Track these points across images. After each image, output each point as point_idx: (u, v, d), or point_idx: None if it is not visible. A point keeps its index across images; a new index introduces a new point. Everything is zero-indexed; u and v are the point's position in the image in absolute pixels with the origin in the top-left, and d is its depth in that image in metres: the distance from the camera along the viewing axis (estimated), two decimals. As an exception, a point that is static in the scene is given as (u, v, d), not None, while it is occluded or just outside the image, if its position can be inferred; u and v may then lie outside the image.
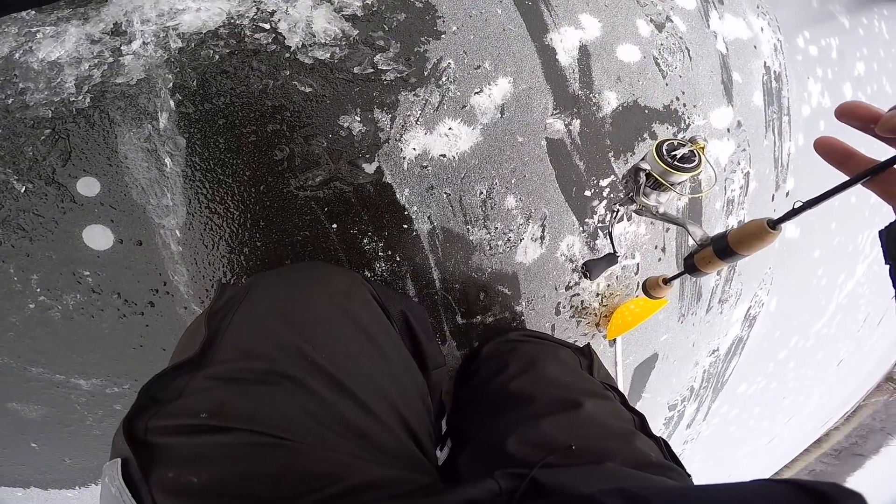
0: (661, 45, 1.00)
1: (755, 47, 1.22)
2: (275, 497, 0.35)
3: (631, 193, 0.61)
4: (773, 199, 1.31)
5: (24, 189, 0.59)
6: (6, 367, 0.69)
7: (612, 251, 0.81)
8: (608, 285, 0.89)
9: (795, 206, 0.42)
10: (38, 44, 0.60)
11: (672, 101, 1.00)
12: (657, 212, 0.62)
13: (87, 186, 0.60)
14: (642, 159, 0.61)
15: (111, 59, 0.60)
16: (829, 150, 0.37)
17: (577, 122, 0.83)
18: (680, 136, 1.00)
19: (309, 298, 0.47)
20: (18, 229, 0.60)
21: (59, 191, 0.60)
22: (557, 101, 0.82)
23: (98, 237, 0.61)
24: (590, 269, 0.80)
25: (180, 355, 0.45)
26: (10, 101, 0.59)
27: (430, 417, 0.52)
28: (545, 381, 0.59)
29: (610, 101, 0.88)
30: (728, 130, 1.13)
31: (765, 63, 1.26)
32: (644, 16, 0.99)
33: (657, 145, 0.60)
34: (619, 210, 0.79)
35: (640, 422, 0.55)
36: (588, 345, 0.78)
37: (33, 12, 0.61)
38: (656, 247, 0.95)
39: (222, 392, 0.39)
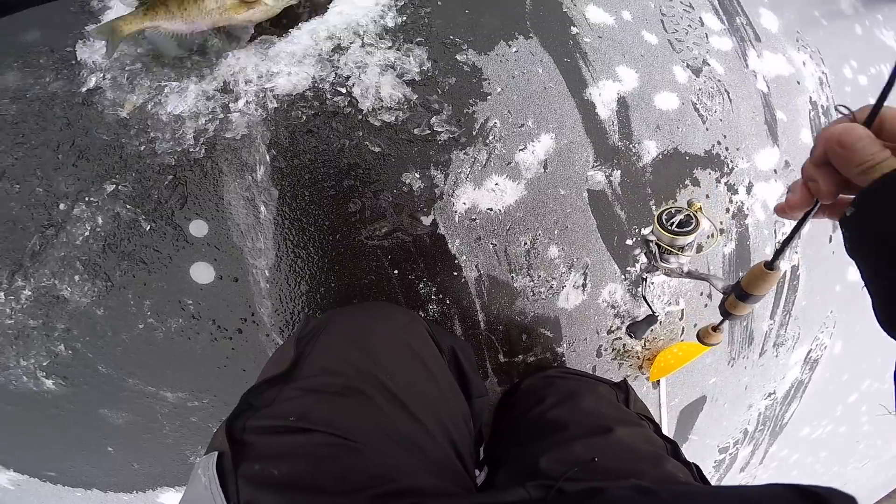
0: (699, 89, 1.05)
1: (798, 83, 1.23)
2: (338, 491, 0.42)
3: (652, 261, 0.68)
4: (830, 241, 1.30)
5: (148, 228, 0.74)
6: (108, 377, 0.80)
7: (652, 313, 0.89)
8: (651, 329, 0.95)
9: (776, 248, 0.48)
10: (165, 97, 0.76)
11: (714, 146, 1.05)
12: (683, 272, 0.69)
13: (198, 228, 0.75)
14: (650, 231, 0.69)
15: (221, 115, 0.76)
16: (782, 213, 0.43)
17: (617, 173, 0.91)
18: (723, 181, 1.05)
19: (376, 331, 0.59)
20: (140, 262, 0.75)
21: (175, 231, 0.75)
22: (598, 153, 0.90)
23: (202, 273, 0.76)
24: (634, 331, 0.90)
25: (271, 371, 0.55)
26: (142, 148, 0.75)
27: (471, 440, 0.61)
28: (581, 411, 0.67)
29: (650, 149, 0.96)
30: (775, 171, 1.15)
31: (810, 98, 1.26)
32: (680, 62, 1.05)
33: (658, 216, 0.67)
34: (646, 278, 0.88)
35: (673, 448, 0.60)
36: (624, 379, 0.84)
37: (160, 66, 0.77)
38: (702, 293, 1.00)
39: (308, 400, 0.49)
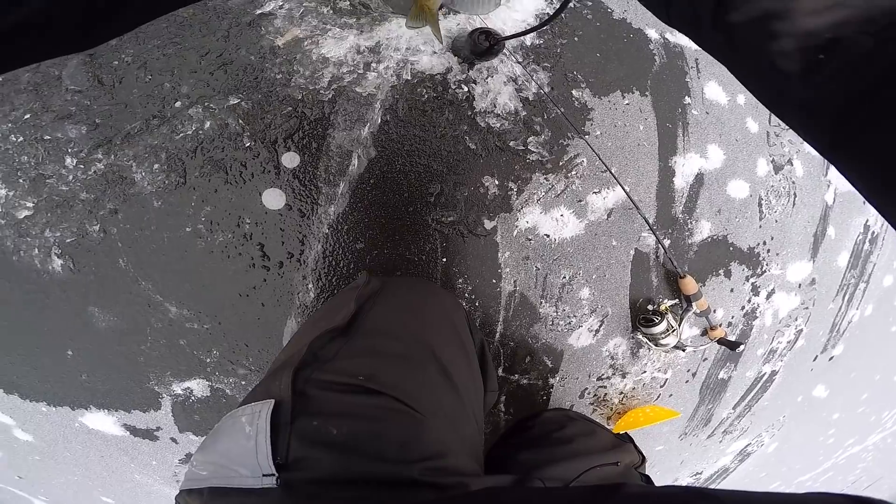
0: (772, 186, 1.21)
1: (864, 203, 1.40)
2: (396, 459, 0.45)
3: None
4: (814, 360, 1.54)
5: (248, 144, 0.85)
6: (122, 273, 0.85)
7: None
8: (633, 388, 1.15)
9: None
10: (324, 40, 0.86)
11: (758, 245, 1.22)
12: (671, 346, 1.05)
13: (291, 160, 0.86)
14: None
15: (361, 71, 0.87)
16: None
17: (666, 242, 1.07)
18: (752, 280, 1.23)
19: (429, 305, 0.70)
20: (223, 170, 0.85)
21: (269, 154, 0.85)
22: (658, 218, 1.06)
23: (274, 199, 0.87)
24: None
25: (328, 321, 0.59)
26: (279, 76, 0.85)
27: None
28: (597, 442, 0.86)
29: (703, 230, 1.12)
30: (799, 286, 1.35)
31: (867, 222, 1.43)
32: (768, 155, 1.20)
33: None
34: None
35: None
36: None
37: (331, 11, 0.86)
38: (689, 370, 1.21)
39: (374, 361, 0.52)
